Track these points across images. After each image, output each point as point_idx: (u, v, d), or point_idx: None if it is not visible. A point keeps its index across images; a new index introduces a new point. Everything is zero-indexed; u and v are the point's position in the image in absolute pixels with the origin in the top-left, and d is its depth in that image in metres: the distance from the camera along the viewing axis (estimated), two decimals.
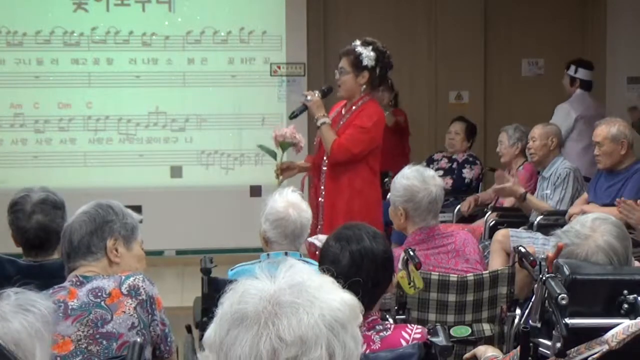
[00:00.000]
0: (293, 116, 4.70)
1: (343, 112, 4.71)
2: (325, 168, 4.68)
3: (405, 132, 7.23)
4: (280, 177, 4.69)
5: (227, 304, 1.34)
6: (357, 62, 4.55)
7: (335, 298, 1.36)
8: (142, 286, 2.56)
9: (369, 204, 4.65)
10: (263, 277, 1.35)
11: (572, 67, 6.74)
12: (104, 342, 2.48)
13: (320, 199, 4.70)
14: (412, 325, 2.61)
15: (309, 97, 4.63)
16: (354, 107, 4.64)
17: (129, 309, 2.52)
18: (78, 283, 2.56)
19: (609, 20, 7.95)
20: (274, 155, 4.69)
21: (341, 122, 4.67)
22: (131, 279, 2.57)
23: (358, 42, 4.60)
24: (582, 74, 6.75)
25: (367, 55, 4.54)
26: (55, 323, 2.32)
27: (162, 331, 2.61)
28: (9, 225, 3.17)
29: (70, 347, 2.46)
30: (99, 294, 2.52)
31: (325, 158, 4.67)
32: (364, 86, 4.61)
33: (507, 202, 5.86)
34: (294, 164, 4.80)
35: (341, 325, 1.33)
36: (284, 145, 4.64)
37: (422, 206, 3.64)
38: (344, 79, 4.60)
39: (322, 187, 4.68)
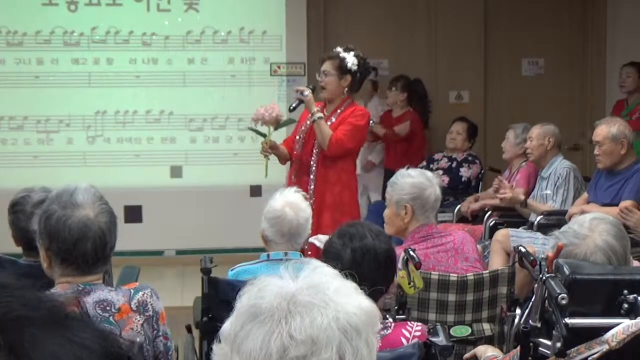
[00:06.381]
0: (293, 109, 4.91)
1: (326, 113, 4.88)
2: (313, 162, 4.84)
3: (409, 139, 7.12)
4: (269, 157, 4.87)
5: (245, 297, 1.34)
6: (341, 66, 4.81)
7: (352, 302, 1.34)
8: (150, 302, 2.45)
9: (354, 194, 4.97)
10: (286, 275, 1.35)
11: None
12: None
13: (311, 186, 4.82)
14: (412, 322, 2.61)
15: (305, 93, 4.80)
16: (339, 110, 4.85)
17: (137, 326, 2.41)
18: (82, 291, 2.38)
19: (608, 20, 7.95)
20: (264, 136, 4.87)
21: (328, 123, 4.83)
22: (140, 293, 2.45)
23: (340, 49, 4.86)
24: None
25: (351, 59, 4.79)
26: None
27: (164, 345, 2.53)
28: (9, 225, 3.16)
29: None
30: (108, 308, 2.38)
31: (314, 154, 4.84)
32: (346, 89, 4.84)
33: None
34: (277, 144, 4.95)
35: (355, 330, 1.31)
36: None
37: (429, 203, 3.70)
38: (327, 81, 4.83)
39: (313, 181, 4.83)
